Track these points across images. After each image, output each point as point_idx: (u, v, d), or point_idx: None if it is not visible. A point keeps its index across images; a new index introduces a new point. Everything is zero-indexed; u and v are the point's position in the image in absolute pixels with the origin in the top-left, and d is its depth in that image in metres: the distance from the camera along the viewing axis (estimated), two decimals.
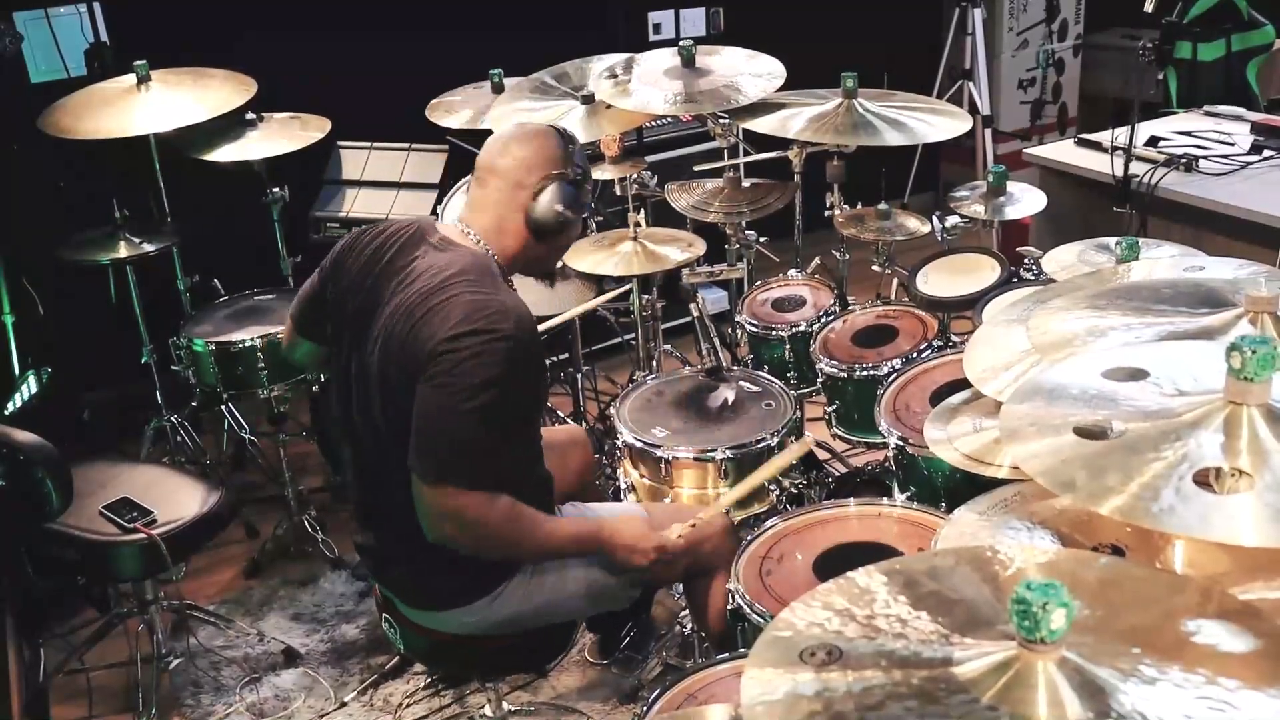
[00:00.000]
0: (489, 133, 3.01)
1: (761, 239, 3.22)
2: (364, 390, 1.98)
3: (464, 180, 3.27)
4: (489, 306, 1.85)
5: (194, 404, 3.69)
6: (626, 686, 2.75)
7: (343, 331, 2.04)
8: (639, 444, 2.44)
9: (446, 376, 1.82)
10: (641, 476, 2.48)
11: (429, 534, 1.90)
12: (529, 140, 2.04)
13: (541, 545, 1.99)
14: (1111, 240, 2.33)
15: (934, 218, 3.02)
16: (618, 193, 3.10)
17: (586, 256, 2.92)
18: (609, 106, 2.98)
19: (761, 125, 2.82)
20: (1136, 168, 3.30)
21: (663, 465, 2.40)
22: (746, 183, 3.18)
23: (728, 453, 2.38)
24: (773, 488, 2.44)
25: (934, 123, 2.81)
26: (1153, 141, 3.53)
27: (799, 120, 2.80)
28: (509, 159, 2.02)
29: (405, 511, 1.99)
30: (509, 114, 3.07)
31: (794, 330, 2.93)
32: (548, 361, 3.12)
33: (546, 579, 2.05)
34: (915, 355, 2.59)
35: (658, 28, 4.88)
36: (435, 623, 2.08)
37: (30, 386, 3.34)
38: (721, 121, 3.04)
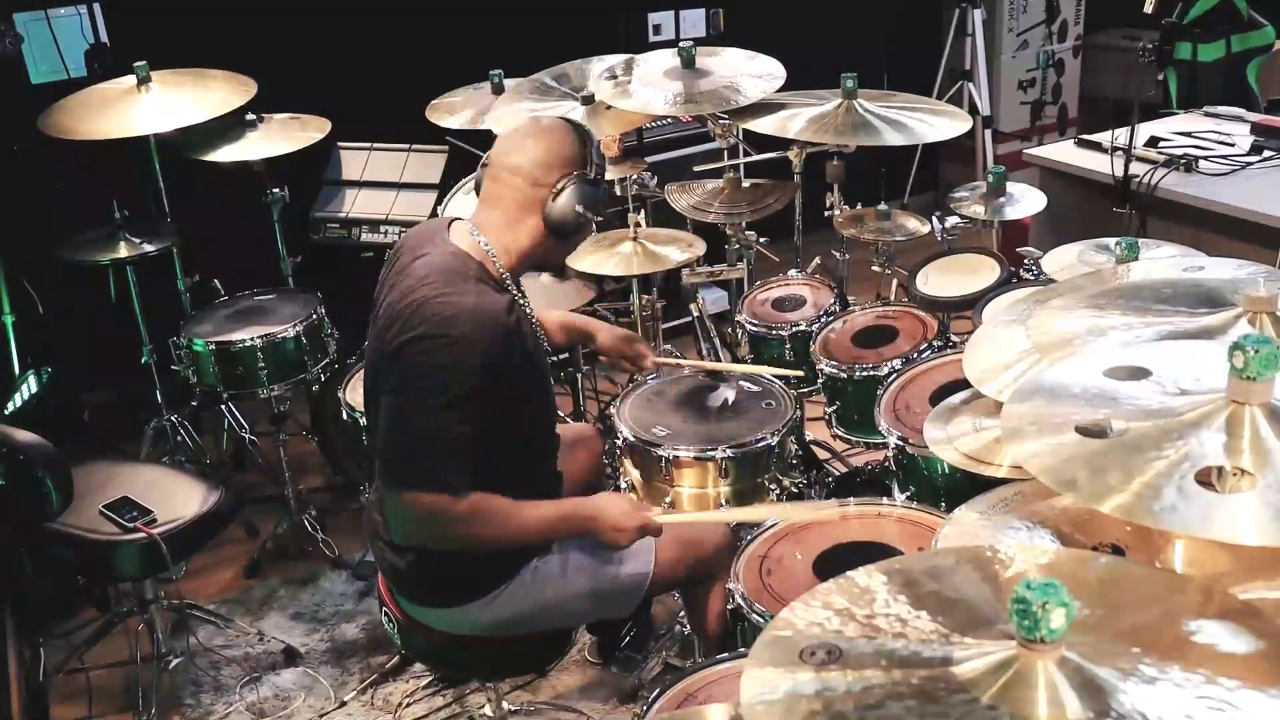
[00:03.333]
0: (489, 133, 3.02)
1: (761, 239, 3.22)
2: (369, 389, 2.04)
3: (464, 180, 3.27)
4: (441, 310, 1.85)
5: (194, 404, 3.69)
6: (626, 686, 2.75)
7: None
8: (639, 443, 2.44)
9: (399, 383, 1.86)
10: (641, 476, 2.48)
11: (396, 538, 1.93)
12: (546, 136, 2.01)
13: (519, 533, 1.96)
14: (1111, 240, 2.33)
15: (934, 218, 3.02)
16: (618, 193, 3.10)
17: (586, 257, 2.92)
18: (609, 107, 2.98)
19: (761, 126, 2.82)
20: (1136, 168, 3.30)
21: (663, 464, 2.40)
22: (746, 183, 3.18)
23: (728, 452, 2.38)
24: (773, 487, 2.44)
25: (934, 123, 2.81)
26: (1153, 142, 3.53)
27: (799, 121, 2.80)
28: (525, 156, 1.99)
29: None
30: (509, 115, 3.07)
31: (794, 330, 2.93)
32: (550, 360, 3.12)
33: (549, 582, 2.05)
34: (915, 355, 2.59)
35: (657, 29, 4.88)
36: (436, 620, 2.08)
37: (30, 386, 3.34)
38: (721, 122, 3.05)
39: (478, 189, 2.08)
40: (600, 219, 2.07)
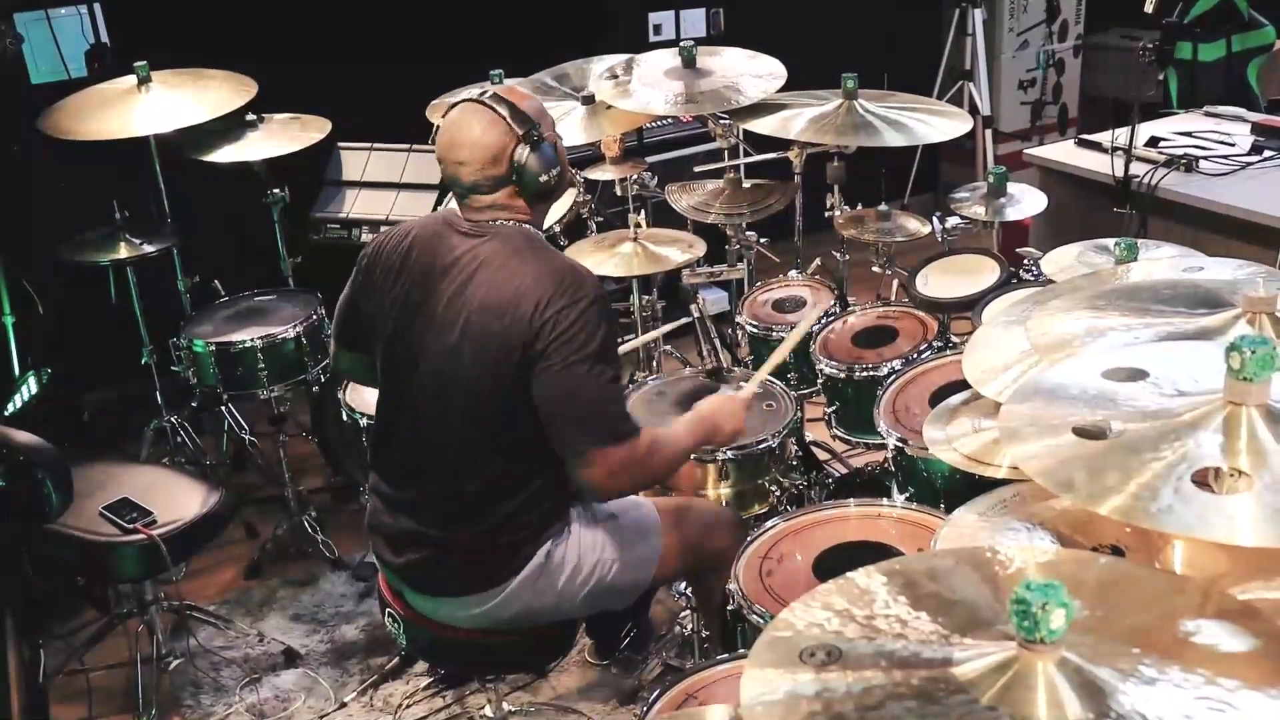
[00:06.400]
0: None
1: (762, 240, 3.22)
2: (420, 380, 2.01)
3: None
4: (563, 275, 1.92)
5: (194, 404, 3.69)
6: (626, 686, 2.75)
7: (389, 330, 2.05)
8: None
9: (559, 355, 1.88)
10: None
11: (601, 497, 2.03)
12: (472, 129, 1.97)
13: (677, 458, 2.09)
14: (1111, 241, 2.33)
15: (934, 219, 3.02)
16: (618, 193, 3.10)
17: (587, 257, 2.92)
18: (609, 107, 2.98)
19: (762, 126, 2.82)
20: (1137, 168, 3.30)
21: None
22: (747, 183, 3.18)
23: (728, 453, 2.38)
24: (773, 489, 2.44)
25: (934, 123, 2.82)
26: (1153, 142, 3.53)
27: (799, 121, 2.80)
28: (468, 152, 1.97)
29: (437, 497, 2.03)
30: None
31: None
32: None
33: (556, 576, 2.05)
34: (915, 356, 2.59)
35: (658, 28, 4.88)
36: (441, 613, 2.09)
37: (30, 386, 3.33)
38: (722, 122, 3.05)
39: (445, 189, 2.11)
40: (566, 165, 2.09)
